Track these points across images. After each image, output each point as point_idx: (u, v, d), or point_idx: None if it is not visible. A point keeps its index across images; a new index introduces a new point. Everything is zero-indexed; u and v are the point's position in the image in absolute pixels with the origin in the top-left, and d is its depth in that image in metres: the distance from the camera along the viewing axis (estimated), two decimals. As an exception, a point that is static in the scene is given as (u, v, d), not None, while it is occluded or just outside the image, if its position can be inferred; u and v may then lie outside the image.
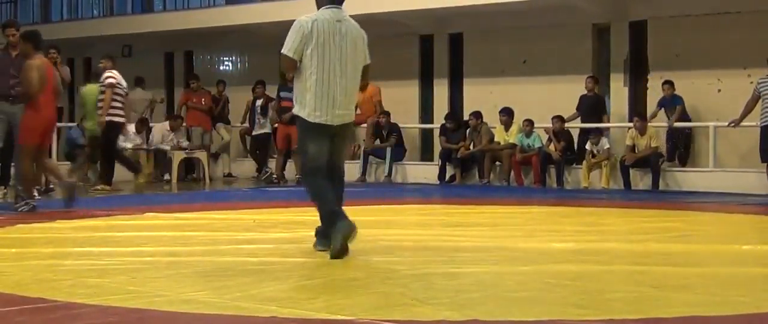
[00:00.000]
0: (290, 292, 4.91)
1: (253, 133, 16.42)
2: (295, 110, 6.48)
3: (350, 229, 6.20)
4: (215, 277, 5.49)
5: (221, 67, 20.47)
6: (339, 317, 4.23)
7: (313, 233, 6.66)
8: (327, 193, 6.40)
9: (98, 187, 13.47)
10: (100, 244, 7.01)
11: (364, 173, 16.13)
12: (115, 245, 6.97)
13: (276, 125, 15.53)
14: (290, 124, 15.26)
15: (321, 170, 6.42)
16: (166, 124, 16.47)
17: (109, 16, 21.51)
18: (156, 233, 7.71)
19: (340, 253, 6.12)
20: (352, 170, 16.38)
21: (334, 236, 6.18)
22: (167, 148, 16.06)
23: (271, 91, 16.10)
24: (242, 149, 17.93)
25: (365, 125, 16.56)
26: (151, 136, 16.27)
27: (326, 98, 6.31)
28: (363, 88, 16.37)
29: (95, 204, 10.98)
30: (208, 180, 16.04)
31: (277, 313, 4.30)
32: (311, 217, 8.11)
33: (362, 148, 16.32)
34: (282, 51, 6.36)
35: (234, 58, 20.50)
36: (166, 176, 15.99)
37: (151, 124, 16.68)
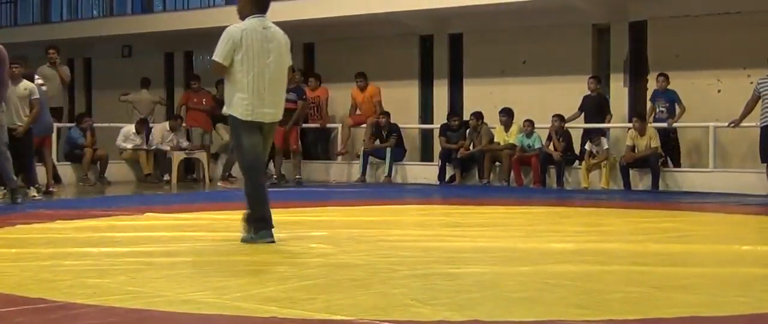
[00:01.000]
0: (290, 292, 4.90)
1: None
2: (226, 110, 7.08)
3: (269, 243, 6.90)
4: (215, 277, 5.49)
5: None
6: (339, 317, 4.22)
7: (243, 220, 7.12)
8: (264, 196, 7.03)
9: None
10: (100, 245, 7.01)
11: (363, 173, 16.14)
12: (115, 245, 6.96)
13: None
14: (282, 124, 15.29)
15: (260, 165, 7.16)
16: (166, 125, 16.47)
17: (109, 17, 21.50)
18: (156, 233, 7.71)
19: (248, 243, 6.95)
20: (352, 171, 16.42)
21: (254, 238, 6.94)
22: (167, 148, 16.06)
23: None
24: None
25: (365, 125, 16.57)
26: (150, 137, 16.27)
27: (257, 99, 6.94)
28: (362, 88, 16.66)
29: (94, 204, 10.98)
30: (207, 180, 16.05)
31: (277, 314, 4.30)
32: (310, 217, 8.13)
33: (362, 149, 16.32)
34: (212, 57, 6.99)
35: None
36: (166, 176, 15.99)
37: (151, 125, 16.67)
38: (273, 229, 7.02)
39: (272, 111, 7.06)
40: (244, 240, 7.03)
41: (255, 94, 6.92)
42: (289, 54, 7.21)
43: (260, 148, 7.08)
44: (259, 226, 6.99)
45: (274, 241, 6.94)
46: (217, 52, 6.96)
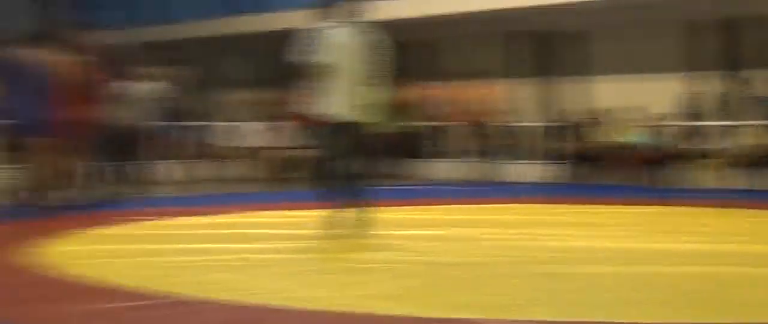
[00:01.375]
0: (409, 290, 4.90)
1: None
2: (320, 110, 7.17)
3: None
4: (335, 274, 5.56)
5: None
6: (456, 316, 4.20)
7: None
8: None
9: None
10: (226, 241, 7.14)
11: (471, 172, 15.98)
12: (225, 242, 7.05)
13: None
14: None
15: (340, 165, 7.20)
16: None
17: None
18: (277, 231, 7.81)
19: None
20: (459, 169, 16.29)
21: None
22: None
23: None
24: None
25: (472, 124, 16.41)
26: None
27: (352, 99, 7.08)
28: (469, 86, 16.48)
29: (206, 202, 11.10)
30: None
31: (395, 311, 4.28)
32: (422, 216, 8.06)
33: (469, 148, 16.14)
34: (310, 59, 7.10)
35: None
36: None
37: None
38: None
39: (367, 112, 7.27)
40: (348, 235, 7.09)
41: (352, 97, 7.12)
42: (387, 58, 7.41)
43: (349, 149, 7.22)
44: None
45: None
46: (314, 54, 7.13)
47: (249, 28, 19.99)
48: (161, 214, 9.16)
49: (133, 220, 8.63)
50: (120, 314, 4.39)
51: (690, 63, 15.77)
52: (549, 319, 4.19)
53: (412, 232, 7.66)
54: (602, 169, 15.08)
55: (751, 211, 10.16)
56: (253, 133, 16.50)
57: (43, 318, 4.30)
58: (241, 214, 9.27)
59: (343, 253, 6.56)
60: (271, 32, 19.20)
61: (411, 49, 18.52)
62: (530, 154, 17.12)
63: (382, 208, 7.85)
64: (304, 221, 8.59)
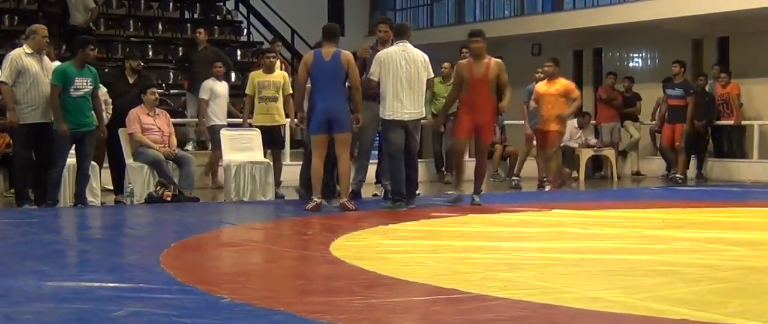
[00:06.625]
0: (702, 295, 4.75)
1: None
2: (380, 113, 9.47)
3: (403, 209, 9.30)
4: (623, 275, 5.46)
5: (630, 64, 20.17)
6: (755, 323, 4.05)
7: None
8: (402, 176, 9.40)
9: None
10: (510, 239, 7.17)
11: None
12: (524, 240, 7.09)
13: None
14: (675, 121, 14.84)
15: (399, 153, 9.39)
16: (574, 122, 16.51)
17: (520, 16, 21.87)
18: (563, 229, 7.75)
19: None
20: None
21: (391, 206, 9.39)
22: (575, 145, 16.10)
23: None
24: (652, 147, 17.59)
25: None
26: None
27: (398, 103, 9.29)
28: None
29: (504, 200, 11.23)
30: (616, 178, 15.91)
31: (689, 316, 4.19)
32: (723, 218, 7.78)
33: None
34: (368, 76, 9.46)
35: (643, 54, 20.13)
36: (574, 173, 16.03)
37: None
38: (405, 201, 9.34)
39: (410, 111, 9.33)
40: (384, 206, 9.47)
41: (396, 100, 9.26)
42: (425, 69, 9.48)
43: (401, 141, 9.32)
44: (396, 198, 9.34)
45: (405, 208, 9.21)
46: (372, 72, 9.33)
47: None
48: (464, 212, 9.32)
49: (437, 217, 8.86)
50: (424, 308, 4.56)
51: None
52: None
53: (720, 235, 7.32)
54: None
55: None
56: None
57: (351, 309, 4.49)
58: (542, 213, 9.24)
59: (645, 254, 6.41)
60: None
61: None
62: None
63: (686, 208, 7.66)
64: (608, 221, 8.54)
